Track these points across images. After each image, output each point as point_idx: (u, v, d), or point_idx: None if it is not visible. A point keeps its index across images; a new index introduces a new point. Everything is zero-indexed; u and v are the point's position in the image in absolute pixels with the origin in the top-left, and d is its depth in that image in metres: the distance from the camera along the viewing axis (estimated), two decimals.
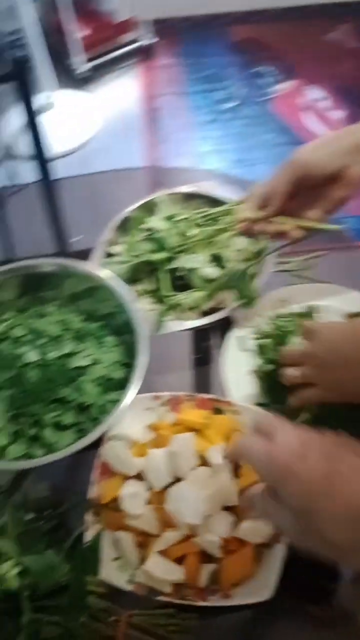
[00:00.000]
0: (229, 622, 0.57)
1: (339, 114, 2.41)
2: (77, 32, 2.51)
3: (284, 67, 2.63)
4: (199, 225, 0.82)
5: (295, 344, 0.70)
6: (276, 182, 0.64)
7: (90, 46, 2.62)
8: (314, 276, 0.84)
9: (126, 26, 2.69)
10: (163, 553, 0.58)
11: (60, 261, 0.78)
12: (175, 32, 2.88)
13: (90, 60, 2.61)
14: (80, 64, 2.58)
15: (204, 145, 2.35)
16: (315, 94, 2.50)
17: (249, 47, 2.77)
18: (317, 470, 0.41)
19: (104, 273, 0.76)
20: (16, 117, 2.22)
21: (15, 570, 0.53)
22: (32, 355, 0.70)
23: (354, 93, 2.49)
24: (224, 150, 2.33)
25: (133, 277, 0.81)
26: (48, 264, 0.77)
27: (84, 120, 2.46)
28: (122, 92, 2.64)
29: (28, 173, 1.68)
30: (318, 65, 2.62)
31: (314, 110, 2.43)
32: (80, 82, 2.62)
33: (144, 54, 2.75)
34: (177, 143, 2.37)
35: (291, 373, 0.65)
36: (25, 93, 1.29)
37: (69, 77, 2.62)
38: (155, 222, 0.83)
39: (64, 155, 2.28)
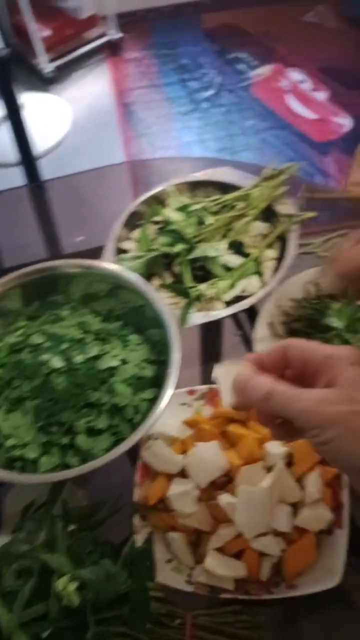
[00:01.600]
0: (298, 614, 0.58)
1: (321, 95, 2.45)
2: (39, 32, 2.51)
3: (261, 51, 2.67)
4: (214, 213, 0.83)
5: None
6: None
7: (55, 45, 2.62)
8: None
9: (91, 22, 2.70)
10: (220, 550, 0.58)
11: (78, 262, 0.78)
12: (143, 24, 2.90)
13: (55, 59, 2.62)
14: (45, 64, 2.58)
15: (185, 136, 2.37)
16: (296, 76, 2.53)
17: (223, 33, 2.80)
18: None
19: (124, 270, 0.76)
20: None
21: (73, 586, 0.53)
22: (56, 362, 0.70)
23: (335, 72, 2.53)
24: (206, 140, 2.35)
25: (148, 271, 0.82)
26: (66, 266, 0.77)
27: (54, 121, 2.46)
28: (92, 89, 2.64)
29: (6, 177, 1.68)
30: (297, 47, 2.66)
31: (296, 92, 2.47)
32: (48, 82, 2.62)
33: (112, 49, 2.76)
34: (155, 136, 2.39)
35: None
36: (7, 92, 1.29)
37: (35, 79, 2.62)
38: (169, 213, 0.84)
39: (36, 159, 2.27)
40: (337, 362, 0.39)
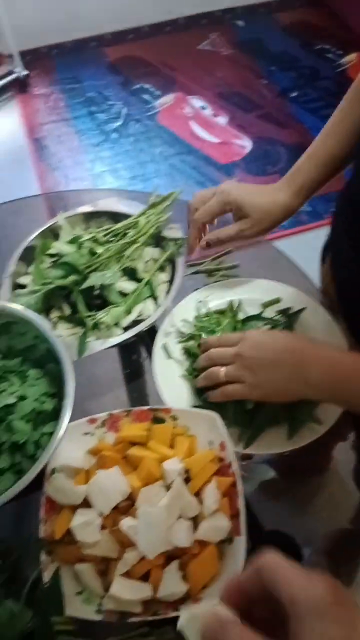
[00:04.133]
0: None
1: (222, 119, 2.53)
2: None
3: (163, 81, 2.73)
4: (106, 243, 0.84)
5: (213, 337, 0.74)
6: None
7: None
8: (226, 274, 0.88)
9: None
10: (127, 574, 0.58)
11: None
12: (48, 60, 2.90)
13: None
14: None
15: (97, 167, 2.38)
16: (197, 103, 2.61)
17: (126, 66, 2.85)
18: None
19: (14, 306, 0.75)
20: None
21: None
22: None
23: (232, 97, 2.63)
24: (117, 169, 2.37)
25: (46, 304, 0.81)
26: None
27: None
28: (3, 126, 2.62)
29: None
30: (196, 74, 2.75)
31: (199, 118, 2.54)
32: None
33: (18, 86, 2.75)
34: (69, 168, 2.38)
35: (220, 372, 0.69)
36: None
37: None
38: (61, 246, 0.83)
39: None
40: (302, 613, 0.33)
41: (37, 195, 1.84)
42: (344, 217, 0.79)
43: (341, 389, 0.62)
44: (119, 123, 2.56)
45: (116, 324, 0.79)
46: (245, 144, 2.41)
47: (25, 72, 2.73)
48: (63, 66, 2.87)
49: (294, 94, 2.62)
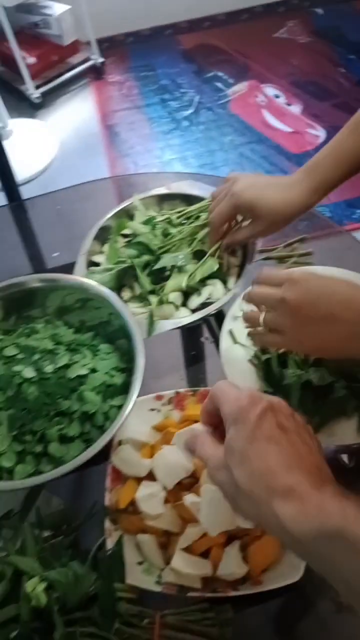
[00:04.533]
0: (265, 610, 0.58)
1: (295, 108, 2.48)
2: (25, 59, 2.54)
3: (236, 69, 2.70)
4: (179, 225, 0.84)
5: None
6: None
7: (40, 72, 2.66)
8: (299, 260, 0.86)
9: (73, 48, 2.74)
10: (188, 549, 0.58)
11: (46, 276, 0.78)
12: (123, 48, 2.94)
13: (40, 86, 2.65)
14: (32, 90, 2.61)
15: (166, 154, 2.39)
16: (270, 92, 2.57)
17: (199, 54, 2.84)
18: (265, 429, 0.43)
19: (91, 283, 0.77)
20: None
21: (42, 587, 0.53)
22: (28, 372, 0.70)
23: (307, 86, 2.57)
24: (186, 157, 2.37)
25: (119, 283, 0.82)
26: (33, 280, 0.78)
27: (41, 145, 2.48)
28: (77, 112, 2.67)
29: None
30: (271, 62, 2.70)
31: (272, 106, 2.50)
32: (35, 107, 2.65)
33: (95, 73, 2.80)
34: (139, 155, 2.41)
35: (260, 316, 0.62)
36: None
37: (23, 105, 2.65)
38: (135, 226, 0.84)
39: (25, 183, 2.29)
40: (228, 423, 0.44)
41: (107, 178, 1.88)
42: None
43: None
44: (190, 111, 2.55)
45: (185, 305, 0.79)
46: (318, 133, 2.34)
47: (101, 60, 2.77)
48: (138, 54, 2.89)
49: None
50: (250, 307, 0.66)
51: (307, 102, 2.48)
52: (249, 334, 0.66)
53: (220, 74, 2.70)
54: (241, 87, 2.61)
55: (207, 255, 0.80)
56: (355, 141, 0.72)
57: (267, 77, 2.63)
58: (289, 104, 2.49)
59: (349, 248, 0.94)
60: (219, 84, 2.65)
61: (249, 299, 0.63)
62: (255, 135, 2.39)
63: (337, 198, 2.09)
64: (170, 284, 0.77)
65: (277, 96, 2.54)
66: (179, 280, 0.77)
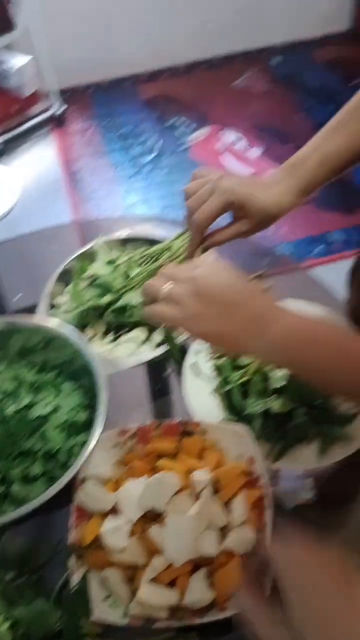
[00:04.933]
0: (234, 637, 0.60)
1: (257, 151, 2.62)
2: None
3: (197, 116, 2.86)
4: (140, 265, 0.90)
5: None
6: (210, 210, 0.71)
7: (1, 121, 2.76)
8: None
9: (34, 98, 2.86)
10: (154, 580, 0.61)
11: (7, 319, 0.82)
12: (85, 97, 3.08)
13: (2, 134, 2.75)
14: None
15: (130, 198, 2.49)
16: (230, 137, 2.72)
17: (160, 102, 3.00)
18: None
19: (54, 323, 0.81)
20: None
21: (6, 625, 0.55)
22: None
23: (266, 130, 2.73)
24: (150, 199, 2.47)
25: (82, 323, 0.87)
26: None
27: (3, 191, 2.54)
28: (40, 159, 2.77)
29: None
30: (229, 110, 2.87)
31: (232, 151, 2.64)
32: None
33: (56, 121, 2.92)
34: (102, 199, 2.50)
35: (157, 284, 0.61)
36: None
37: None
38: (97, 268, 0.90)
39: None
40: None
41: (70, 223, 1.94)
42: None
43: (301, 353, 0.57)
44: (152, 155, 2.68)
45: (148, 341, 0.84)
46: None
47: (63, 108, 2.90)
48: (100, 103, 3.04)
49: None
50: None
51: (268, 145, 2.63)
52: (144, 305, 0.64)
53: (180, 121, 2.85)
54: (201, 133, 2.76)
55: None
56: (338, 142, 0.72)
57: (226, 123, 2.79)
58: (250, 147, 2.64)
59: (306, 284, 1.02)
60: (180, 131, 2.79)
61: (160, 275, 0.63)
62: None
63: (299, 235, 2.21)
64: (141, 333, 0.82)
65: (237, 140, 2.68)
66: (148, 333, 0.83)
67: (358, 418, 0.75)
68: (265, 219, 0.72)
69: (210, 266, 0.61)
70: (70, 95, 3.03)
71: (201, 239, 0.73)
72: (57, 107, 2.89)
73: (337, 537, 0.73)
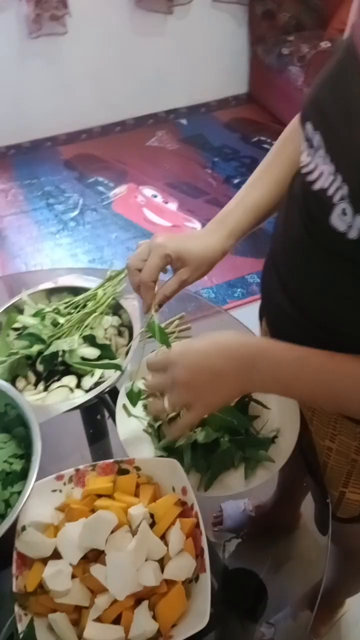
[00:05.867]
0: None
1: (172, 205, 2.72)
2: None
3: (115, 174, 2.94)
4: (67, 314, 0.91)
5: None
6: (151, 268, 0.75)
7: None
8: (179, 336, 0.95)
9: None
10: (99, 619, 0.60)
11: None
12: (6, 159, 3.09)
13: None
14: None
15: (56, 253, 2.49)
16: (148, 192, 2.81)
17: (80, 162, 3.06)
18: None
19: None
20: None
21: None
22: None
23: (180, 186, 2.85)
24: (76, 254, 2.49)
25: (13, 374, 0.86)
26: None
27: None
28: None
29: None
30: (146, 167, 2.97)
31: (151, 205, 2.72)
32: None
33: None
34: (29, 255, 2.49)
35: (163, 403, 0.70)
36: None
37: None
38: (25, 319, 0.90)
39: None
40: None
41: None
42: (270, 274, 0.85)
43: (287, 387, 0.66)
44: (76, 212, 2.71)
45: (79, 387, 0.84)
46: (195, 225, 2.58)
47: None
48: (20, 164, 3.06)
49: (237, 180, 2.85)
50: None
51: (182, 200, 2.74)
52: (168, 437, 0.75)
53: (100, 179, 2.91)
54: (121, 189, 2.83)
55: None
56: (257, 194, 0.80)
57: (143, 180, 2.88)
58: (165, 202, 2.74)
59: (224, 324, 1.06)
60: (101, 188, 2.85)
61: (150, 389, 0.74)
62: (139, 231, 2.58)
63: (219, 280, 2.29)
64: (74, 379, 0.84)
65: (154, 196, 2.78)
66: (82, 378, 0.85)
67: (277, 441, 0.78)
68: (201, 264, 0.78)
69: (176, 363, 0.67)
70: None
71: (152, 295, 0.77)
72: None
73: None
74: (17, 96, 2.99)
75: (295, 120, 0.79)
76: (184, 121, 3.38)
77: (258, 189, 0.81)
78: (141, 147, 3.15)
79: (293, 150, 0.77)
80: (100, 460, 0.81)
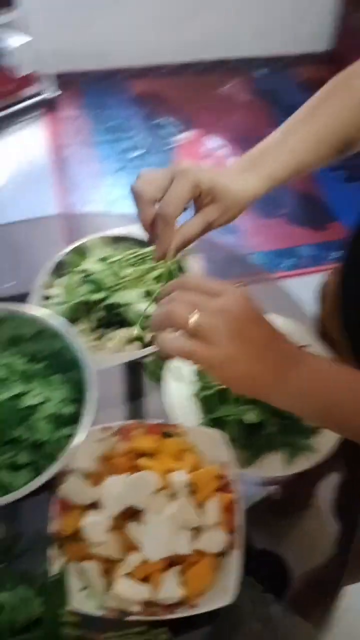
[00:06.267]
0: (202, 633, 0.61)
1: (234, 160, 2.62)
2: None
3: (182, 118, 2.83)
4: (131, 265, 0.88)
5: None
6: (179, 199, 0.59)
7: None
8: None
9: (28, 80, 2.76)
10: (129, 575, 0.61)
11: (3, 306, 0.79)
12: (78, 84, 2.99)
13: None
14: None
15: (113, 192, 2.44)
16: (213, 143, 2.70)
17: (149, 99, 2.95)
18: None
19: (46, 314, 0.79)
20: None
21: None
22: None
23: (247, 141, 2.71)
24: None
25: (72, 317, 0.84)
26: None
27: None
28: (28, 143, 2.68)
29: None
30: (213, 116, 2.85)
31: (214, 157, 2.62)
32: None
33: (48, 106, 2.83)
34: (86, 190, 2.44)
35: (184, 312, 0.47)
36: None
37: None
38: (91, 264, 0.88)
39: None
40: None
41: (60, 215, 1.89)
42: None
43: (327, 397, 0.51)
44: (139, 152, 2.63)
45: (134, 341, 0.83)
46: None
47: (57, 93, 2.81)
48: (92, 92, 2.96)
49: None
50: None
51: None
52: (154, 336, 0.58)
53: (168, 120, 2.81)
54: (186, 135, 2.73)
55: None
56: (306, 134, 0.67)
57: (210, 129, 2.77)
58: (230, 155, 2.63)
59: (277, 296, 1.02)
60: (167, 131, 2.76)
61: (173, 301, 0.49)
62: None
63: (270, 247, 2.22)
64: (128, 332, 0.81)
65: (219, 147, 2.67)
66: (135, 332, 0.81)
67: (322, 432, 0.76)
68: (232, 205, 0.62)
69: (236, 298, 0.48)
70: (64, 80, 2.93)
71: (171, 236, 0.60)
72: (50, 92, 2.80)
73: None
74: (97, 20, 2.85)
75: (353, 68, 0.69)
76: (259, 73, 3.20)
77: (307, 130, 0.67)
78: (213, 94, 3.00)
79: (349, 98, 0.68)
80: (142, 416, 0.81)
